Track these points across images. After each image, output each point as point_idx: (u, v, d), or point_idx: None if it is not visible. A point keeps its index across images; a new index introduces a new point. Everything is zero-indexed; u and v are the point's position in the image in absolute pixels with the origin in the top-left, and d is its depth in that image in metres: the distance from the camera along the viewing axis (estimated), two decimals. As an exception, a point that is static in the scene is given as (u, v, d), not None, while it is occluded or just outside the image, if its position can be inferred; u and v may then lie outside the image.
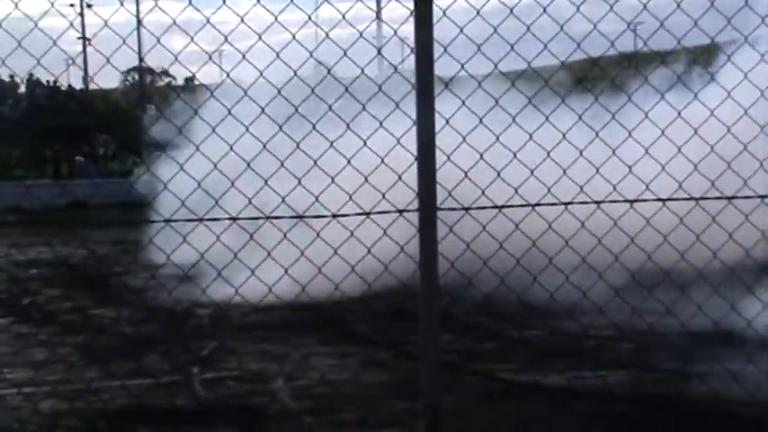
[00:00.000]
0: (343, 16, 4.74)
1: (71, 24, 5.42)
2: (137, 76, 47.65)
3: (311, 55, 4.96)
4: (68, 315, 13.87)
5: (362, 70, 5.02)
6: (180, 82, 52.36)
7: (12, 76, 41.62)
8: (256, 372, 10.04)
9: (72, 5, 44.89)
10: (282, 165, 5.19)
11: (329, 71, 5.37)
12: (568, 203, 5.10)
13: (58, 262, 17.37)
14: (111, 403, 9.00)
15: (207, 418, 8.62)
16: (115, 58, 5.18)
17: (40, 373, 10.07)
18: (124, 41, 5.10)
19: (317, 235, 5.28)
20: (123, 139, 38.97)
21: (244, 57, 4.89)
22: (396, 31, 4.34)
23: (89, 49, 37.15)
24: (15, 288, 15.81)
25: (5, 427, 8.29)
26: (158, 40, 4.79)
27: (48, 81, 44.25)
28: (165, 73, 49.49)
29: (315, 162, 5.07)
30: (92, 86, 43.13)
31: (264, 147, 5.01)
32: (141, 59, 32.44)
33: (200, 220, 5.32)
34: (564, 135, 5.36)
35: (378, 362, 10.55)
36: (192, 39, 4.82)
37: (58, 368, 10.31)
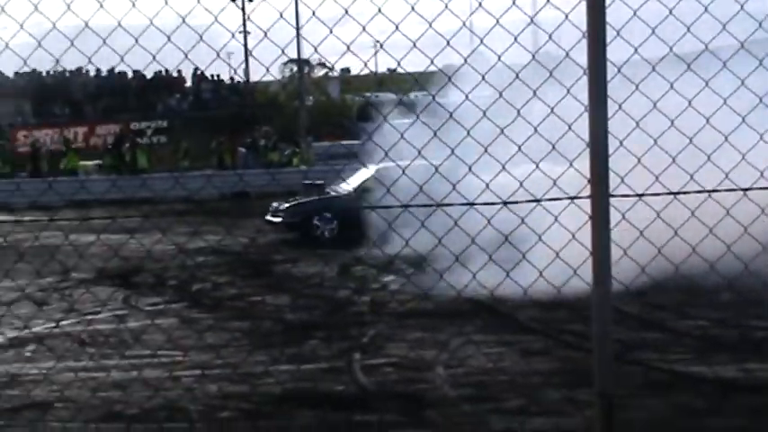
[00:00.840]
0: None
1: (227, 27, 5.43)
2: (295, 68, 48.28)
3: (482, 41, 4.87)
4: (235, 301, 14.17)
5: (533, 56, 4.90)
6: (336, 73, 53.08)
7: (180, 72, 42.99)
8: (416, 359, 10.02)
9: (233, 0, 45.90)
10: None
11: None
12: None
13: (225, 250, 17.76)
14: (276, 387, 9.14)
15: (368, 404, 8.67)
16: (275, 51, 5.22)
17: (210, 356, 10.31)
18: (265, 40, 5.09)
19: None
20: (282, 130, 39.73)
21: (413, 44, 4.82)
22: (567, 16, 4.21)
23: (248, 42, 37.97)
24: (185, 275, 16.25)
25: (180, 407, 8.52)
26: (330, 30, 4.78)
27: (212, 75, 45.51)
28: (322, 64, 50.20)
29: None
30: (252, 79, 43.91)
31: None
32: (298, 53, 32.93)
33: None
34: (743, 119, 5.11)
35: (537, 351, 10.40)
36: (363, 28, 4.79)
37: (228, 352, 10.55)
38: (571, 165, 4.46)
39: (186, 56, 5.04)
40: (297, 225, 21.03)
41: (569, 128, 4.55)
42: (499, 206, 4.85)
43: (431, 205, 5.74)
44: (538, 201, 4.58)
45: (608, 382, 3.96)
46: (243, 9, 45.83)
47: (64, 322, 12.43)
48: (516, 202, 4.72)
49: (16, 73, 41.30)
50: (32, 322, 12.35)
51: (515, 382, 9.06)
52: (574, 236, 4.59)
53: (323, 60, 43.68)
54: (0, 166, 33.83)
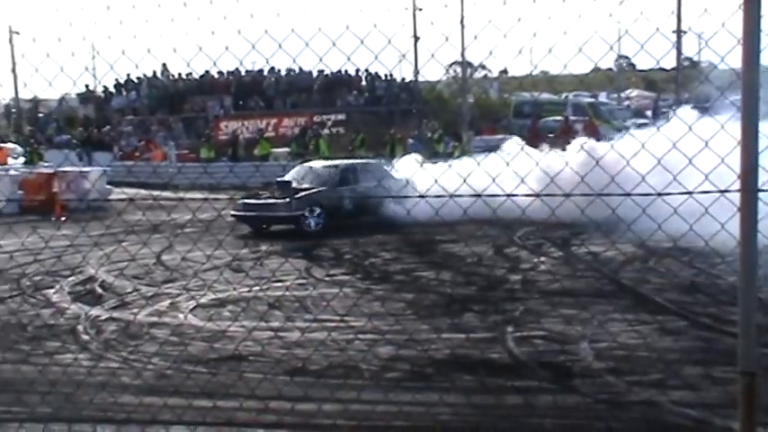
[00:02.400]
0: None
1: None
2: (458, 70, 48.18)
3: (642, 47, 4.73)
4: (400, 275, 14.28)
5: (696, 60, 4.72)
6: (494, 74, 52.73)
7: (357, 71, 43.55)
8: (562, 333, 9.89)
9: (406, 9, 46.17)
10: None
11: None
12: None
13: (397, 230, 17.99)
14: (436, 352, 9.19)
15: (518, 371, 8.62)
16: (441, 54, 5.20)
17: (377, 322, 10.44)
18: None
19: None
20: (447, 125, 39.72)
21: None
22: (723, 24, 4.04)
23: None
24: (359, 251, 16.49)
25: (352, 366, 8.67)
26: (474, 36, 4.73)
27: (385, 75, 45.90)
28: (482, 66, 49.93)
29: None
30: (420, 79, 44.07)
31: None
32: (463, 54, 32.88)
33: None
34: None
35: (673, 330, 10.10)
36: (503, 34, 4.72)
37: (391, 320, 10.65)
38: (723, 161, 4.27)
39: (376, 57, 5.08)
40: (298, 218, 19.84)
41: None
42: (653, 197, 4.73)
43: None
44: (689, 193, 4.43)
45: (751, 360, 3.84)
46: (414, 16, 46.09)
47: (254, 287, 12.81)
48: (670, 194, 4.57)
49: (219, 72, 42.65)
50: (228, 286, 12.80)
51: (654, 358, 8.83)
52: (723, 226, 4.43)
53: (483, 63, 43.51)
54: (206, 152, 35.06)
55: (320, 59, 4.89)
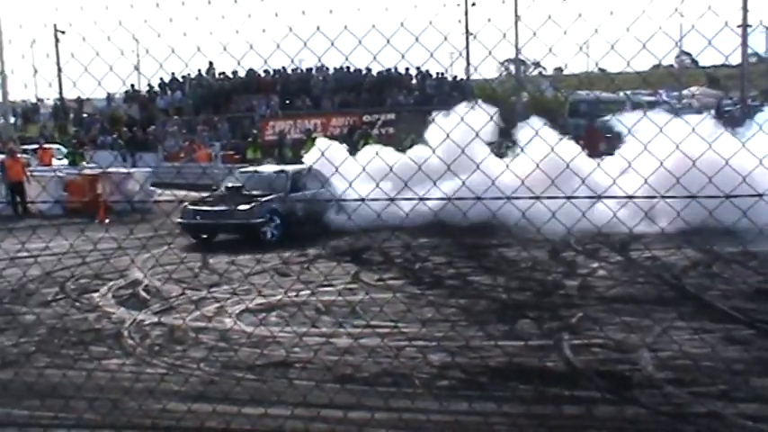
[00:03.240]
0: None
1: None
2: (511, 67, 47.99)
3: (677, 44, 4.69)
4: (452, 280, 14.26)
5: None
6: (549, 72, 52.40)
7: (407, 69, 43.58)
8: (620, 341, 9.81)
9: (458, 5, 46.11)
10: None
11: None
12: None
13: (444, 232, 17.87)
14: (490, 360, 9.17)
15: (575, 380, 8.57)
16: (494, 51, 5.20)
17: (429, 329, 10.45)
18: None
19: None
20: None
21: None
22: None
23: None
24: (409, 254, 16.48)
25: (404, 374, 8.69)
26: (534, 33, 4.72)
27: (436, 73, 45.91)
28: (537, 64, 49.63)
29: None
30: (473, 76, 44.06)
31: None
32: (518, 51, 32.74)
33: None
34: None
35: (739, 339, 9.97)
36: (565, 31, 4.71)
37: (445, 326, 10.65)
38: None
39: (431, 54, 5.10)
40: (257, 225, 18.97)
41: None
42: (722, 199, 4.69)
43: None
44: (760, 195, 4.40)
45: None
46: (466, 13, 46.02)
47: (301, 292, 12.89)
48: (738, 196, 4.54)
49: (265, 71, 42.95)
50: (275, 291, 12.89)
51: (719, 369, 8.73)
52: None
53: (537, 60, 43.25)
54: (252, 152, 35.27)
55: (375, 57, 4.91)
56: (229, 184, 20.43)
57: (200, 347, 10.04)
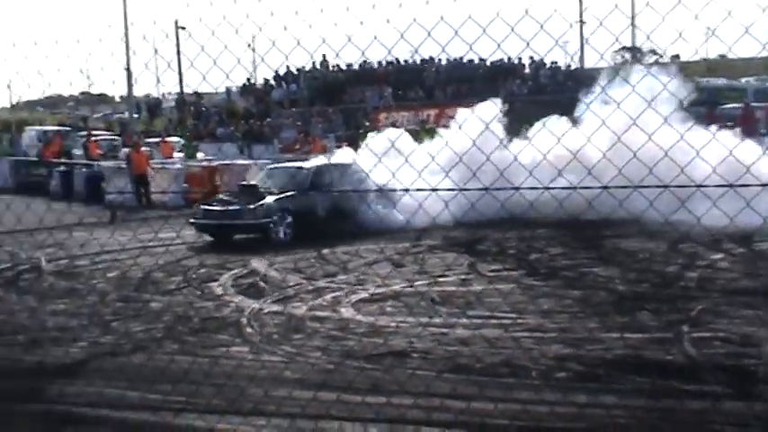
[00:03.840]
0: None
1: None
2: (626, 56, 46.97)
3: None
4: (568, 271, 14.09)
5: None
6: (666, 59, 51.04)
7: (519, 59, 43.17)
8: (744, 335, 9.52)
9: (572, -6, 45.56)
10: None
11: None
12: None
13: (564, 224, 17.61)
14: (608, 352, 9.03)
15: (696, 375, 8.35)
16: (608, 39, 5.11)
17: (546, 320, 10.36)
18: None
19: None
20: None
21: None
22: None
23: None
24: (523, 245, 16.35)
25: (521, 365, 8.63)
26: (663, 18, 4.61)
27: (552, 62, 45.35)
28: (653, 51, 48.40)
29: None
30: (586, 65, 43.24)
31: None
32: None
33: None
34: None
35: None
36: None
37: (562, 317, 10.55)
38: None
39: (556, 45, 5.05)
40: (267, 225, 18.41)
41: None
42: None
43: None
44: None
45: None
46: (580, 1, 45.35)
47: (417, 282, 12.94)
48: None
49: (379, 63, 43.25)
50: (391, 281, 12.98)
51: None
52: None
53: (654, 47, 42.16)
54: (364, 143, 35.54)
55: (500, 46, 4.89)
56: (243, 182, 20.05)
57: (317, 336, 10.18)
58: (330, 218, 18.76)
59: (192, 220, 18.46)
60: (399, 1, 4.78)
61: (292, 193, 18.89)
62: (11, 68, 6.07)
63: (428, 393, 7.65)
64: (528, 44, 4.94)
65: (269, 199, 18.63)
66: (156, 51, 6.16)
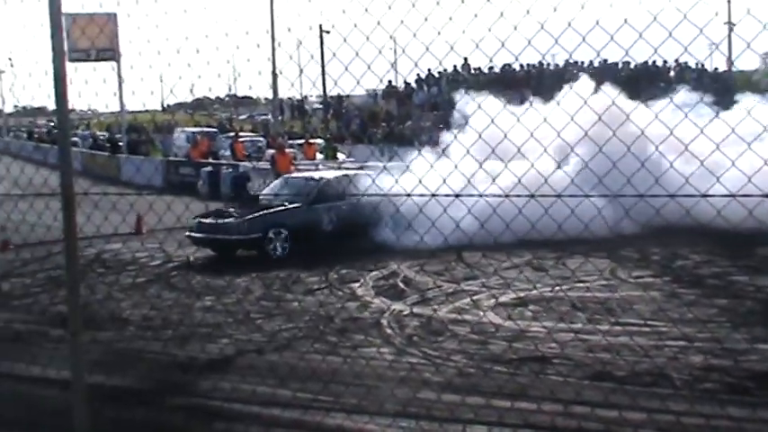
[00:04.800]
0: None
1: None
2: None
3: None
4: (713, 279, 13.66)
5: None
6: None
7: (665, 62, 42.11)
8: None
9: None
10: None
11: None
12: None
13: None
14: (758, 364, 8.71)
15: None
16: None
17: (691, 329, 10.08)
18: None
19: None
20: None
21: None
22: None
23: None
24: (667, 252, 15.91)
25: (665, 374, 8.43)
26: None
27: (696, 64, 44.08)
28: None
29: None
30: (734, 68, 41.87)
31: None
32: None
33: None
34: None
35: None
36: None
37: (708, 327, 10.23)
38: None
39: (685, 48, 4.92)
40: (254, 241, 17.20)
41: None
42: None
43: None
44: None
45: None
46: (729, 2, 43.90)
47: (557, 287, 12.80)
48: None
49: (520, 66, 42.90)
50: (531, 285, 12.88)
51: None
52: None
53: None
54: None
55: (657, 50, 4.78)
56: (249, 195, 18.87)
57: (455, 339, 10.19)
58: (338, 234, 17.66)
59: (187, 233, 17.17)
60: (552, 4, 4.74)
61: (296, 205, 17.84)
62: (160, 73, 6.32)
63: (553, 398, 7.61)
64: (686, 48, 4.78)
65: (264, 212, 17.57)
66: (290, 57, 6.28)
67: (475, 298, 12.38)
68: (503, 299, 12.20)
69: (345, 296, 13.11)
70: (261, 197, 19.11)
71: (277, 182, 20.21)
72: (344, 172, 19.88)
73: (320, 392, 7.89)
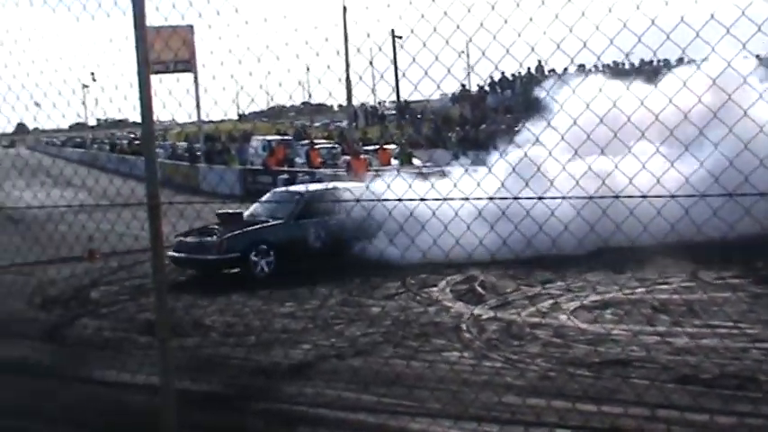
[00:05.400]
0: None
1: None
2: None
3: None
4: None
5: None
6: None
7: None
8: None
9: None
10: None
11: None
12: None
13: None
14: None
15: None
16: None
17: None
18: None
19: None
20: None
21: None
22: None
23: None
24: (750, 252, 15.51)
25: (751, 378, 8.25)
26: None
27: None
28: None
29: None
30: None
31: None
32: None
33: None
34: None
35: None
36: None
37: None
38: None
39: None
40: (235, 261, 16.12)
41: None
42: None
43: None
44: None
45: None
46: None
47: (637, 289, 12.64)
48: None
49: (594, 66, 42.35)
50: (609, 288, 12.74)
51: None
52: None
53: None
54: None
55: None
56: (226, 211, 16.98)
57: (537, 343, 10.13)
58: (325, 251, 16.62)
59: (169, 253, 15.61)
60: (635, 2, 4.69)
61: (279, 221, 16.80)
62: (236, 83, 6.41)
63: (641, 402, 7.51)
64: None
65: (245, 230, 16.48)
66: (370, 63, 6.33)
67: (553, 301, 12.27)
68: (581, 302, 12.09)
69: (424, 301, 13.11)
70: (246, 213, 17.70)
71: (266, 196, 19.01)
72: (336, 184, 18.50)
73: (405, 397, 7.93)
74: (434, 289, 13.84)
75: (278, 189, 19.37)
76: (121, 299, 14.67)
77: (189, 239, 16.10)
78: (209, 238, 16.13)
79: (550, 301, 12.28)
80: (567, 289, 13.03)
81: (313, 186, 18.64)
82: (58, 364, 10.48)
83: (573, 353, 9.58)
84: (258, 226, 16.59)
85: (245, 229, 16.38)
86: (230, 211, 16.83)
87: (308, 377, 9.16)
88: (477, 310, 12.09)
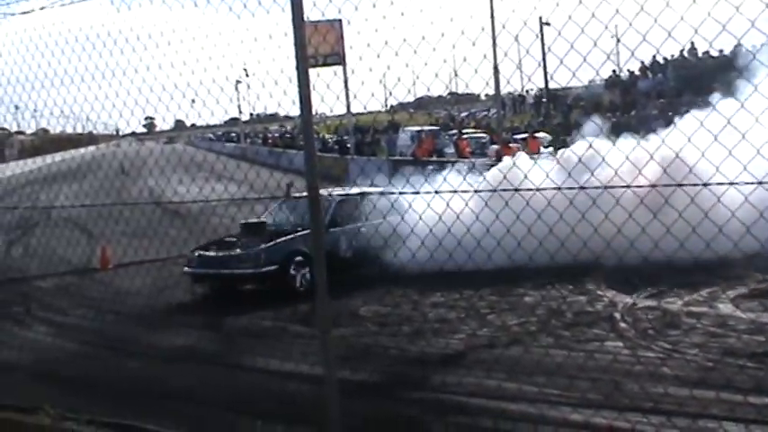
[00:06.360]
0: None
1: None
2: None
3: None
4: None
5: None
6: None
7: None
8: None
9: None
10: None
11: None
12: None
13: None
14: None
15: None
16: None
17: None
18: None
19: None
20: None
21: None
22: None
23: None
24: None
25: None
26: None
27: None
28: None
29: None
30: None
31: None
32: None
33: None
34: None
35: None
36: None
37: None
38: None
39: None
40: (272, 274, 14.56)
41: None
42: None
43: None
44: None
45: None
46: None
47: None
48: None
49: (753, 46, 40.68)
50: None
51: None
52: None
53: None
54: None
55: None
56: (247, 220, 14.70)
57: (696, 333, 9.85)
58: (358, 260, 15.09)
59: (186, 269, 15.13)
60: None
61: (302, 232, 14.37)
62: (383, 75, 6.48)
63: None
64: None
65: (282, 239, 14.98)
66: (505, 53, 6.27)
67: (711, 290, 11.85)
68: (741, 290, 11.68)
69: (576, 289, 12.92)
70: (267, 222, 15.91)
71: (286, 204, 16.28)
72: (355, 191, 16.58)
73: (567, 388, 7.87)
74: (588, 277, 13.49)
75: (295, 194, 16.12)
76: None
77: (211, 253, 15.10)
78: (238, 251, 14.96)
79: (709, 290, 11.83)
80: (727, 276, 12.53)
81: (343, 193, 16.83)
82: (221, 353, 10.92)
83: (734, 343, 9.29)
84: (293, 235, 14.95)
85: (276, 241, 14.91)
86: (255, 220, 14.97)
87: (467, 366, 9.22)
88: (632, 299, 11.81)
